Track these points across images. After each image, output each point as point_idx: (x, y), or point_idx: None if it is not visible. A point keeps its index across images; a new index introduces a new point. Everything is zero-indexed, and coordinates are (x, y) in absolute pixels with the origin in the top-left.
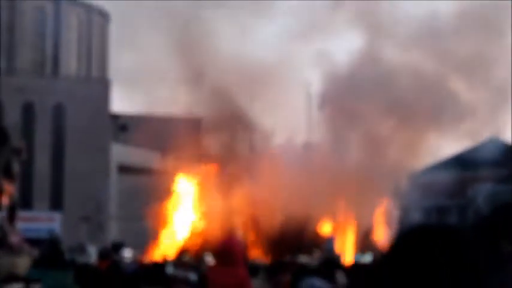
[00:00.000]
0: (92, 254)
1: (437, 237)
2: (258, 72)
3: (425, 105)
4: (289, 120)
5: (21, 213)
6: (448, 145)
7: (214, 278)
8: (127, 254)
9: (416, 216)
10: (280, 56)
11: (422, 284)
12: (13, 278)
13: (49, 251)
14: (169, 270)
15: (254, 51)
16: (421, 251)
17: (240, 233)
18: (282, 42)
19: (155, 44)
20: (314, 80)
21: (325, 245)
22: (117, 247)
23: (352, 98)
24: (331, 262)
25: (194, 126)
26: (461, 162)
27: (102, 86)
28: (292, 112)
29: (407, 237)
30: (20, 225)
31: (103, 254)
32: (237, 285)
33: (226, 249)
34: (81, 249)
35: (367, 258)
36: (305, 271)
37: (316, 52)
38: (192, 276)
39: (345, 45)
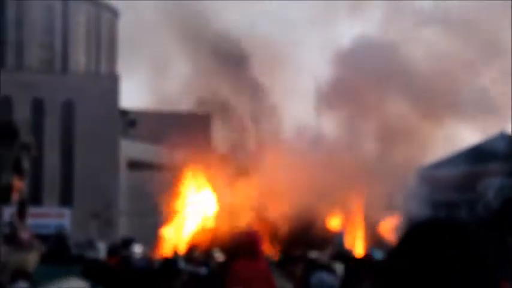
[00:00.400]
0: (102, 250)
1: (446, 232)
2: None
3: (443, 93)
4: (299, 109)
5: (31, 210)
6: (457, 139)
7: (239, 272)
8: (137, 249)
9: (425, 211)
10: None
11: (432, 278)
12: (20, 274)
13: (56, 247)
14: (181, 265)
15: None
16: (430, 245)
17: (250, 227)
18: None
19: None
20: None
21: (335, 240)
22: (127, 243)
23: (362, 85)
24: (341, 256)
25: (203, 121)
26: (471, 156)
27: (111, 82)
28: (302, 101)
29: (417, 231)
30: (29, 221)
31: (112, 250)
32: (262, 278)
33: (250, 243)
34: (91, 245)
35: (377, 254)
36: (315, 265)
37: (326, 37)
38: (203, 271)
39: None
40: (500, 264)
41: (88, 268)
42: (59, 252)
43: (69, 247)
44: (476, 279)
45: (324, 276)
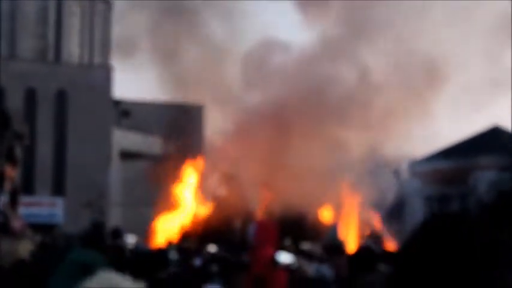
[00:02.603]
0: None
1: (458, 226)
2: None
3: None
4: None
5: (23, 199)
6: (447, 133)
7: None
8: (130, 240)
9: (417, 205)
10: None
11: (445, 275)
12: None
13: (92, 234)
14: (173, 255)
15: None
16: (442, 241)
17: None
18: None
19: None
20: None
21: (329, 232)
22: (116, 234)
23: None
24: (334, 248)
25: (196, 112)
26: (462, 150)
27: (105, 72)
28: None
29: (428, 227)
30: (21, 210)
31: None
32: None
33: (265, 232)
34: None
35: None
36: (309, 257)
37: None
38: (197, 262)
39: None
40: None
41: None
42: (95, 238)
43: (104, 234)
44: (488, 274)
45: (319, 268)
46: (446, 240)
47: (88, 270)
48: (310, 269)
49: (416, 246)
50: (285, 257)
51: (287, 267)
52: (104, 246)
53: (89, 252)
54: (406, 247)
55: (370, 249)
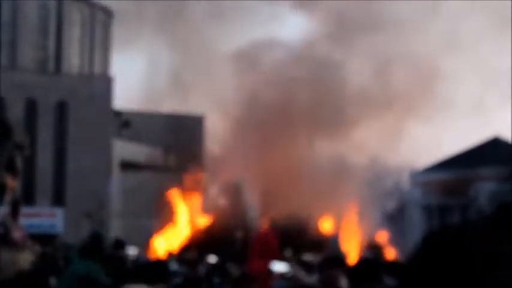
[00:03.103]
0: None
1: (459, 239)
2: None
3: None
4: None
5: (24, 209)
6: (448, 144)
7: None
8: (131, 252)
9: (417, 214)
10: None
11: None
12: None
13: (92, 244)
14: (173, 265)
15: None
16: (444, 255)
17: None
18: None
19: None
20: None
21: (330, 244)
22: (119, 245)
23: None
24: (333, 260)
25: (196, 123)
26: (463, 161)
27: (105, 83)
28: None
29: (429, 241)
30: (22, 220)
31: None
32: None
33: (265, 243)
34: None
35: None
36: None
37: None
38: (200, 271)
39: None
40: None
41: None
42: (94, 249)
43: (104, 245)
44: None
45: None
46: (447, 254)
47: (89, 282)
48: (310, 279)
49: (419, 260)
50: (279, 266)
51: (282, 276)
52: (103, 257)
53: (89, 264)
54: (410, 262)
55: (373, 260)
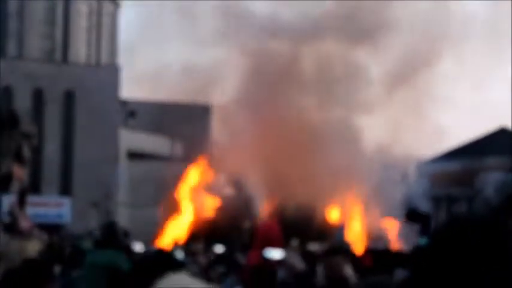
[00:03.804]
0: None
1: (481, 230)
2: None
3: None
4: None
5: (30, 198)
6: (456, 134)
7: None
8: (138, 247)
9: (424, 205)
10: None
11: (467, 279)
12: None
13: (106, 234)
14: (179, 254)
15: None
16: (464, 245)
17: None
18: None
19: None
20: None
21: (336, 233)
22: (125, 235)
23: None
24: (337, 249)
25: (203, 112)
26: (469, 151)
27: (112, 73)
28: None
29: (449, 230)
30: (28, 210)
31: None
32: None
33: (268, 233)
34: (90, 234)
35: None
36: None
37: None
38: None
39: None
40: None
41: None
42: (109, 239)
43: (118, 235)
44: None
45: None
46: (458, 245)
47: (113, 272)
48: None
49: (431, 252)
50: (274, 253)
51: (277, 263)
52: (119, 246)
53: (110, 253)
54: (421, 253)
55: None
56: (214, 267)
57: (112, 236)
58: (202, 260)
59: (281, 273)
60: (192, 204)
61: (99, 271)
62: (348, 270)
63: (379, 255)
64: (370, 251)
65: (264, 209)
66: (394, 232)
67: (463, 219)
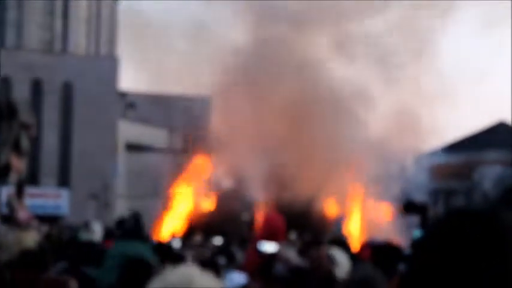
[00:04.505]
0: (97, 232)
1: (479, 223)
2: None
3: None
4: None
5: (29, 190)
6: (454, 128)
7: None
8: None
9: (422, 199)
10: None
11: (466, 274)
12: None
13: (132, 225)
14: (177, 243)
15: None
16: (461, 238)
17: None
18: None
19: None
20: None
21: (334, 226)
22: (122, 223)
23: None
24: (337, 243)
25: (203, 104)
26: (468, 145)
27: (111, 64)
28: None
29: (446, 223)
30: (27, 201)
31: (109, 233)
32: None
33: (272, 226)
34: (86, 226)
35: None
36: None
37: None
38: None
39: None
40: None
41: (81, 251)
42: (134, 231)
43: (144, 226)
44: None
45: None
46: (456, 238)
47: (141, 264)
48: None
49: (428, 246)
50: (268, 246)
51: (271, 256)
52: (144, 237)
53: (137, 245)
54: (419, 247)
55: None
56: (217, 260)
57: (139, 227)
58: (206, 252)
59: (278, 267)
60: (190, 196)
61: (127, 262)
62: (341, 261)
63: (378, 248)
64: (369, 244)
65: (261, 201)
66: (393, 224)
67: (460, 211)
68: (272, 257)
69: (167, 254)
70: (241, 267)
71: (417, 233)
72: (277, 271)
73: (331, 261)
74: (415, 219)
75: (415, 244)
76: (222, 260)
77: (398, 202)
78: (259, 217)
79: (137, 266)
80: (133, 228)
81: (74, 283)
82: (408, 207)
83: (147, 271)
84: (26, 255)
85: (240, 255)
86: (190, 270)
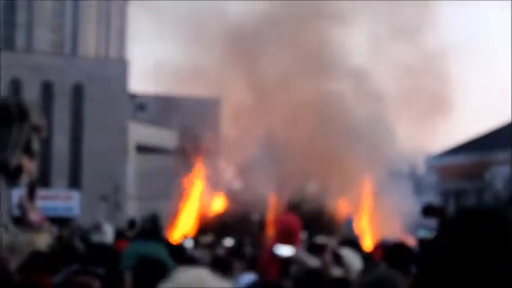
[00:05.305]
0: (109, 233)
1: (489, 221)
2: None
3: None
4: None
5: (40, 192)
6: (465, 128)
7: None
8: None
9: (433, 199)
10: None
11: (475, 271)
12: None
13: (149, 226)
14: (189, 243)
15: None
16: (472, 237)
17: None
18: None
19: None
20: None
21: (344, 225)
22: (133, 224)
23: None
24: (350, 242)
25: (213, 106)
26: (479, 145)
27: (121, 66)
28: None
29: (457, 222)
30: (38, 203)
31: (120, 234)
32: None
33: (288, 228)
34: (97, 227)
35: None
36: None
37: None
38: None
39: None
40: None
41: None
42: (151, 231)
43: (161, 227)
44: None
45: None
46: (467, 238)
47: (157, 264)
48: (315, 261)
49: (439, 246)
50: (284, 250)
51: (287, 260)
52: (161, 239)
53: (153, 245)
54: (429, 247)
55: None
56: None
57: (156, 228)
58: (218, 252)
59: (294, 270)
60: (200, 197)
61: (143, 262)
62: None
63: (391, 249)
64: (381, 245)
65: (273, 201)
66: (404, 225)
67: (471, 210)
68: (288, 259)
69: (180, 255)
70: (254, 269)
71: (422, 232)
72: (292, 273)
73: (339, 264)
74: (421, 218)
75: (427, 243)
76: (234, 261)
77: (410, 202)
78: (272, 218)
79: (153, 266)
80: (151, 229)
81: (97, 284)
82: (427, 210)
83: (162, 272)
84: (37, 257)
85: (251, 256)
86: (201, 272)
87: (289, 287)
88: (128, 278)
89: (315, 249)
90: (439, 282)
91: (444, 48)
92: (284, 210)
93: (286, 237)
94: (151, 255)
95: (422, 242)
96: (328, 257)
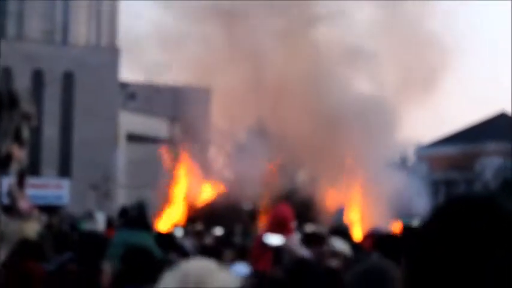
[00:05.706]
0: (100, 222)
1: (479, 209)
2: None
3: None
4: None
5: (30, 180)
6: (455, 119)
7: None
8: None
9: (423, 189)
10: None
11: (466, 261)
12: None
13: (136, 214)
14: (179, 232)
15: None
16: (462, 225)
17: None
18: None
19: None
20: None
21: (335, 215)
22: (124, 212)
23: None
24: (339, 232)
25: (204, 95)
26: (469, 135)
27: (112, 55)
28: None
29: (446, 210)
30: (28, 191)
31: (111, 222)
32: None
33: (280, 217)
34: (89, 216)
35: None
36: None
37: None
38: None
39: None
40: None
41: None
42: (138, 219)
43: (148, 215)
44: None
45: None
46: (458, 226)
47: (145, 253)
48: (305, 251)
49: (429, 234)
50: (273, 239)
51: (280, 249)
52: (148, 227)
53: (141, 234)
54: (419, 235)
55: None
56: (219, 250)
57: (142, 216)
58: (207, 240)
59: (286, 258)
60: (190, 186)
61: (130, 251)
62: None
63: (381, 238)
64: (371, 234)
65: (263, 190)
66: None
67: (460, 198)
68: (280, 248)
69: (169, 244)
70: (244, 258)
71: (406, 221)
72: (284, 262)
73: (334, 255)
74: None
75: (415, 232)
76: (223, 250)
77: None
78: (263, 207)
79: (140, 255)
80: (138, 217)
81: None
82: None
83: (149, 260)
84: (26, 245)
85: (241, 246)
86: (207, 263)
87: (280, 276)
88: (107, 268)
89: (311, 239)
90: (430, 272)
91: (440, 40)
92: (275, 200)
93: (278, 226)
94: (138, 243)
95: (406, 229)
96: (326, 248)
